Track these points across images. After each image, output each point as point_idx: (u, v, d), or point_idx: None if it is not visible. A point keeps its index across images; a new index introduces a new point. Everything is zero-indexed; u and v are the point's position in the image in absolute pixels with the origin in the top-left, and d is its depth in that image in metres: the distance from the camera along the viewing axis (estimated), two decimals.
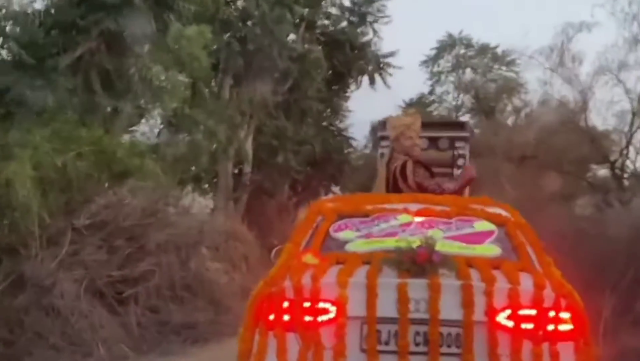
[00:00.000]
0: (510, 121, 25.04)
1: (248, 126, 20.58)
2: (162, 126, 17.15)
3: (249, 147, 20.94)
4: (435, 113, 28.33)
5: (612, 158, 19.57)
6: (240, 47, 19.46)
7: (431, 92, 29.22)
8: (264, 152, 21.77)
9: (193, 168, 18.04)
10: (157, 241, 10.18)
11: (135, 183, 10.88)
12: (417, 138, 5.99)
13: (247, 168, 21.65)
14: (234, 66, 19.63)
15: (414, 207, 5.16)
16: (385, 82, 24.28)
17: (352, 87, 25.65)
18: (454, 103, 28.56)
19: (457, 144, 10.63)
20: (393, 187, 5.84)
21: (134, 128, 15.42)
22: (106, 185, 10.97)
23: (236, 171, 21.98)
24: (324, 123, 25.86)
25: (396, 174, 5.87)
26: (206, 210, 20.45)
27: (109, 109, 13.50)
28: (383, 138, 11.16)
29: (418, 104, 28.82)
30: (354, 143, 26.73)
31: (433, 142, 10.66)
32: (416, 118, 6.09)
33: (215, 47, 17.89)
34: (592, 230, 11.67)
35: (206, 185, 22.33)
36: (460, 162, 10.72)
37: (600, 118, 19.99)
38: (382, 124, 11.76)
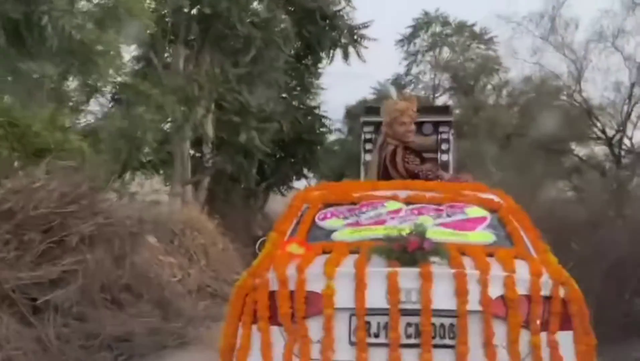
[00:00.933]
0: (491, 100, 24.51)
1: (207, 102, 17.98)
2: (111, 105, 15.59)
3: (209, 125, 18.58)
4: (411, 94, 28.02)
5: (609, 133, 18.57)
6: (196, 11, 17.26)
7: (407, 73, 28.38)
8: (226, 130, 19.04)
9: (145, 150, 15.32)
10: (81, 233, 8.05)
11: (55, 163, 8.60)
12: (411, 125, 5.76)
13: (207, 150, 19.50)
14: (188, 33, 17.56)
15: (403, 193, 4.95)
16: (359, 56, 21.81)
17: (325, 62, 23.44)
18: (431, 83, 27.80)
19: (441, 129, 10.48)
20: (383, 174, 5.62)
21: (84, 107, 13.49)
22: (17, 164, 8.80)
23: (197, 154, 19.93)
24: (294, 103, 23.52)
25: (386, 161, 5.65)
26: (160, 197, 18.31)
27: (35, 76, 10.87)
28: (366, 123, 11.01)
29: (393, 85, 28.00)
30: (327, 122, 25.33)
31: (417, 126, 10.48)
32: (412, 103, 5.84)
33: (165, 10, 16.31)
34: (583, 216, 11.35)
35: (160, 171, 19.58)
36: (444, 146, 10.56)
37: (596, 90, 19.33)
38: (367, 109, 11.59)
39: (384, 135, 5.82)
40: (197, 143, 19.16)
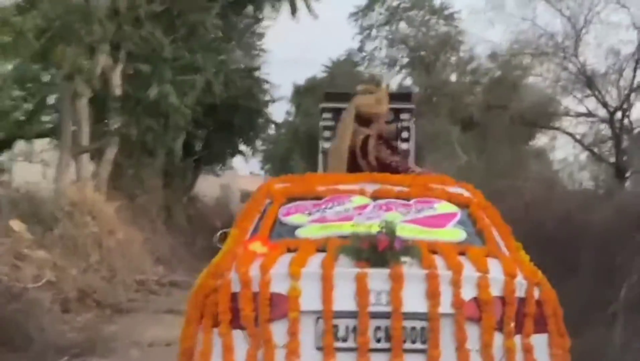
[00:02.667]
0: (454, 77, 23.26)
1: (115, 48, 13.79)
2: None
3: (116, 79, 14.26)
4: (365, 72, 26.36)
5: (610, 107, 16.76)
6: None
7: (361, 49, 26.52)
8: (134, 84, 14.50)
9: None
10: None
11: None
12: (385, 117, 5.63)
13: (115, 111, 14.72)
14: None
15: (370, 187, 4.76)
16: (310, 10, 17.35)
17: (268, 17, 19.80)
18: (386, 60, 25.98)
19: (402, 116, 10.27)
20: (351, 164, 5.42)
21: None
22: None
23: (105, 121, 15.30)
24: (227, 60, 18.59)
25: (356, 150, 5.44)
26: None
27: None
28: (325, 110, 10.76)
29: (346, 62, 27.20)
30: (268, 88, 22.34)
31: (363, 120, 10.25)
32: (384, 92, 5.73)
33: None
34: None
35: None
36: (404, 134, 10.38)
37: (593, 55, 18.26)
38: (326, 95, 11.32)
39: (354, 121, 5.58)
40: (101, 103, 14.68)
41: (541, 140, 20.86)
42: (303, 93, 28.87)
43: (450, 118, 19.14)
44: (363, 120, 5.59)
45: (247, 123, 21.68)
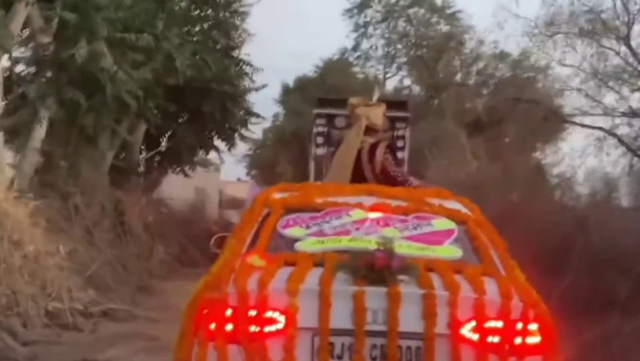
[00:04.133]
0: (458, 77, 22.19)
1: None
2: None
3: (43, 36, 11.28)
4: (360, 73, 25.39)
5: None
6: None
7: (356, 48, 25.23)
8: (60, 42, 11.19)
9: None
10: None
11: None
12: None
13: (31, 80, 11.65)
14: None
15: (368, 201, 4.78)
16: None
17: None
18: (383, 60, 24.81)
19: (397, 125, 10.25)
20: (355, 171, 5.48)
21: None
22: None
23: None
24: (199, 39, 16.38)
25: (362, 156, 5.51)
26: None
27: None
28: (319, 116, 10.74)
29: (340, 62, 25.73)
30: (250, 71, 18.39)
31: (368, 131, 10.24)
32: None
33: None
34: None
35: None
36: (399, 143, 10.36)
37: None
38: (319, 101, 11.31)
39: (361, 131, 5.67)
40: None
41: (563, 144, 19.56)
42: (292, 93, 27.41)
43: (456, 120, 18.33)
44: (368, 131, 5.69)
45: (220, 111, 17.87)
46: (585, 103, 16.92)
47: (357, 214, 4.61)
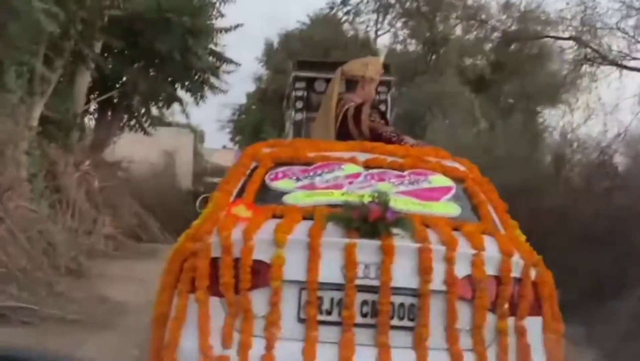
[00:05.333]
0: (459, 31, 20.63)
1: None
2: None
3: None
4: (350, 31, 23.62)
5: None
6: None
7: (345, 1, 22.98)
8: None
9: None
10: None
11: None
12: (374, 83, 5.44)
13: None
14: None
15: (362, 156, 4.53)
16: None
17: None
18: (374, 16, 22.57)
19: (379, 89, 9.94)
20: (341, 132, 5.19)
21: None
22: None
23: None
24: None
25: (347, 117, 5.21)
26: None
27: None
28: (298, 79, 10.41)
29: (326, 19, 23.78)
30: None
31: (350, 84, 9.86)
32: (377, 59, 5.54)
33: None
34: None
35: None
36: (381, 107, 10.12)
37: None
38: (299, 63, 10.95)
39: (338, 90, 5.36)
40: None
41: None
42: (276, 52, 25.56)
43: (457, 77, 17.35)
44: (347, 84, 5.38)
45: (180, 51, 14.24)
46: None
47: (350, 168, 4.37)
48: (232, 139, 34.76)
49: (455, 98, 15.74)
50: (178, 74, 15.36)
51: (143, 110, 16.66)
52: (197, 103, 16.38)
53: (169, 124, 20.29)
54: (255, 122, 27.85)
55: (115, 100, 16.12)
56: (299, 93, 10.10)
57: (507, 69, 18.25)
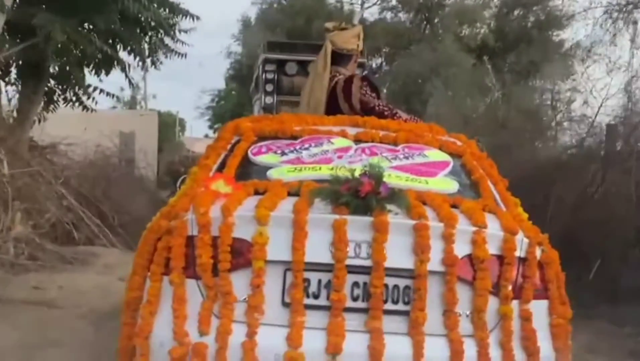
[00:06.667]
0: None
1: None
2: None
3: None
4: (334, 3, 22.42)
5: None
6: None
7: None
8: None
9: None
10: None
11: None
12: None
13: None
14: None
15: (352, 130, 4.23)
16: None
17: None
18: None
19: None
20: (330, 107, 4.89)
21: None
22: None
23: None
24: None
25: (337, 90, 4.91)
26: None
27: None
28: (268, 61, 10.09)
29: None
30: None
31: (303, 66, 9.58)
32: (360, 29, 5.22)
33: None
34: None
35: None
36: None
37: None
38: (269, 45, 10.63)
39: (328, 58, 5.05)
40: None
41: None
42: (253, 27, 23.59)
43: (457, 46, 16.18)
44: (339, 58, 5.08)
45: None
46: None
47: (340, 142, 4.08)
48: (211, 127, 33.79)
49: (458, 67, 14.61)
50: (114, 28, 11.43)
51: (73, 80, 12.36)
52: (144, 69, 12.94)
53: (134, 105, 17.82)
54: (234, 108, 26.33)
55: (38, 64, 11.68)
56: (269, 75, 9.88)
57: (511, 37, 17.16)
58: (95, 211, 11.79)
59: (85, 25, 11.60)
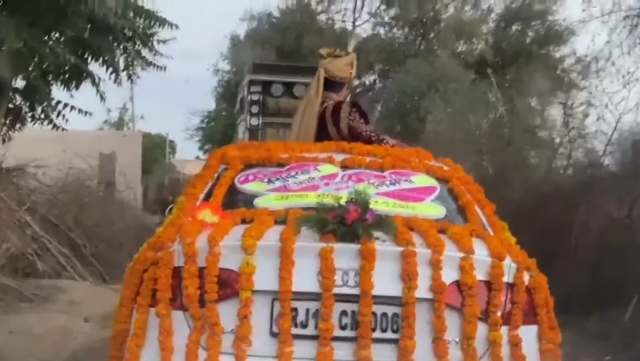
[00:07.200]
0: (452, 9, 18.97)
1: None
2: None
3: None
4: (328, 20, 21.74)
5: None
6: None
7: None
8: None
9: None
10: None
11: None
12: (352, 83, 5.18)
13: None
14: None
15: (339, 156, 4.23)
16: None
17: None
18: (351, 3, 20.62)
19: None
20: (319, 131, 4.90)
21: None
22: None
23: None
24: None
25: (326, 115, 4.92)
26: None
27: None
28: (253, 83, 10.09)
29: (301, 9, 21.75)
30: None
31: (289, 88, 9.60)
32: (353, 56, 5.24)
33: None
34: None
35: None
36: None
37: None
38: (254, 67, 10.64)
39: (320, 85, 5.07)
40: None
41: None
42: (243, 45, 22.97)
43: (455, 61, 15.98)
44: (331, 84, 5.10)
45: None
46: None
47: (326, 169, 4.07)
48: (201, 148, 33.14)
49: (458, 82, 14.10)
50: (80, 36, 10.09)
51: (37, 95, 10.96)
52: (118, 82, 11.32)
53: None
54: (224, 129, 25.52)
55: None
56: (255, 97, 9.86)
57: (510, 52, 16.87)
58: (64, 239, 10.80)
59: (54, 34, 10.17)
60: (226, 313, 3.20)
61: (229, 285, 3.23)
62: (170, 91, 58.94)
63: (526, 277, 3.38)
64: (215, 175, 4.10)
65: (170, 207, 5.01)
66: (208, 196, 3.89)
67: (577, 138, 11.59)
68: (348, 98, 5.24)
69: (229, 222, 3.48)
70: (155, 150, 33.91)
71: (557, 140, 11.92)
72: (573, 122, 11.82)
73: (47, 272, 9.72)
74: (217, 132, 27.94)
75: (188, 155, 33.95)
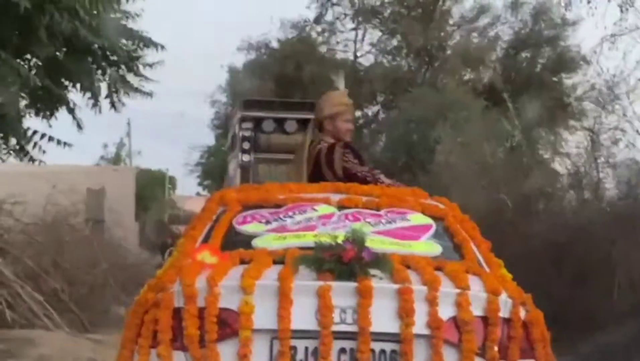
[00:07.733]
0: (457, 37, 18.33)
1: None
2: None
3: None
4: (324, 49, 21.29)
5: None
6: None
7: (319, 20, 20.55)
8: None
9: None
10: None
11: None
12: (352, 123, 5.19)
13: None
14: None
15: (335, 196, 4.30)
16: None
17: None
18: (352, 36, 20.24)
19: (309, 125, 9.60)
20: (314, 174, 4.96)
21: None
22: None
23: None
24: None
25: (320, 159, 4.99)
26: None
27: None
28: (245, 119, 10.13)
29: (301, 40, 21.26)
30: None
31: (280, 124, 9.60)
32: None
33: None
34: None
35: None
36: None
37: None
38: (245, 103, 10.68)
39: (314, 131, 5.15)
40: None
41: None
42: (241, 76, 22.62)
43: (462, 89, 15.53)
44: (320, 125, 5.18)
45: (64, 20, 8.24)
46: None
47: (323, 209, 4.13)
48: (200, 183, 33.07)
49: (468, 110, 13.40)
50: (60, 60, 9.15)
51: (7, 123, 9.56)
52: (98, 110, 10.24)
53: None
54: (224, 163, 25.88)
55: None
56: (246, 133, 9.85)
57: (522, 80, 16.29)
58: (40, 284, 9.86)
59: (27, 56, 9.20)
60: (226, 353, 3.24)
61: (229, 325, 3.27)
62: (167, 125, 58.72)
63: (522, 312, 3.42)
64: (214, 217, 4.15)
65: (169, 249, 5.09)
66: (207, 238, 3.95)
67: (605, 167, 10.81)
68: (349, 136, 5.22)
69: (227, 263, 3.54)
70: (155, 186, 33.76)
71: (582, 170, 11.10)
72: (600, 149, 11.02)
73: (18, 322, 8.81)
74: (216, 167, 27.40)
75: (188, 190, 33.84)
